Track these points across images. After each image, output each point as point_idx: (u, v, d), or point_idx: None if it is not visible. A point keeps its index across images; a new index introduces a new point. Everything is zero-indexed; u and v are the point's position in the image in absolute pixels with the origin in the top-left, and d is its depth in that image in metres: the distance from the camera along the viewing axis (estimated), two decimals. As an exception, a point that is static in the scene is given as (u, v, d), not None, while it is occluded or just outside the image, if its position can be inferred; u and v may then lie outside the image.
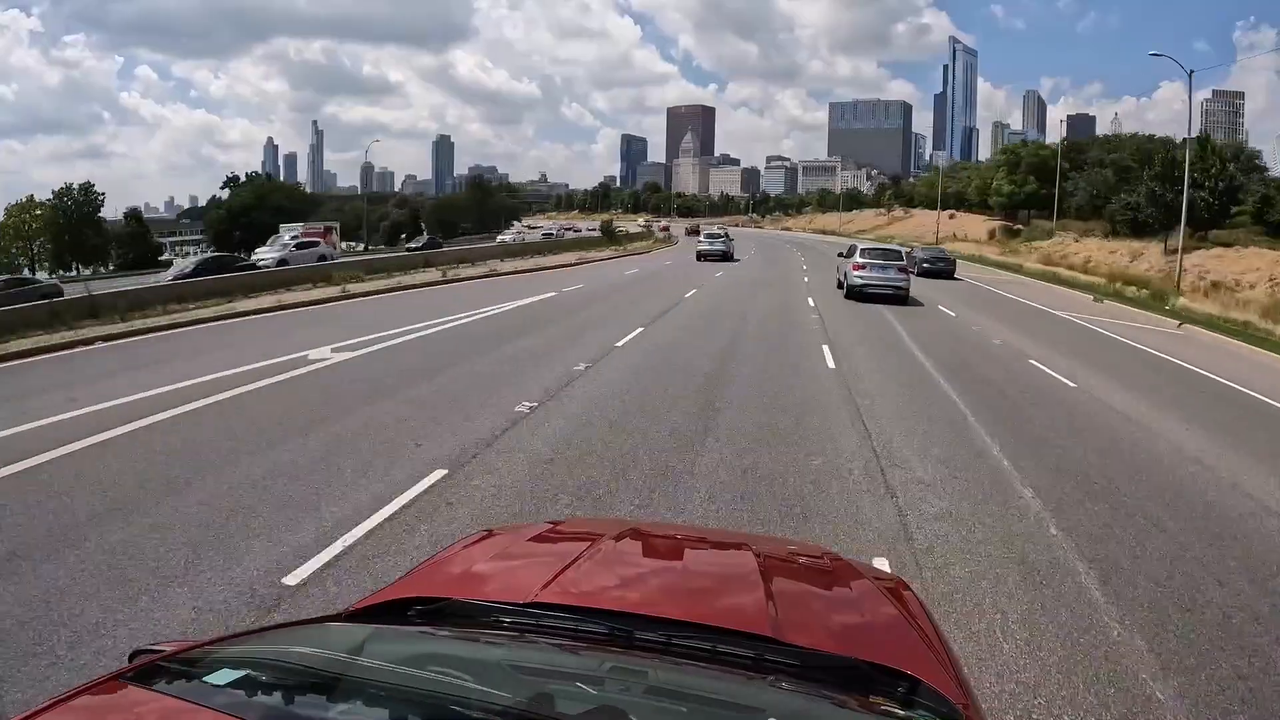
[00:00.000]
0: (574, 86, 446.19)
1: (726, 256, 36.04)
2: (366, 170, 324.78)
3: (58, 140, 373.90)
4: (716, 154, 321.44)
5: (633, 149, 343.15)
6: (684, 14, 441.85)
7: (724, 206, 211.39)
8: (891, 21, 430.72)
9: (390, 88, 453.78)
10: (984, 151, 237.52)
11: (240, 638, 1.38)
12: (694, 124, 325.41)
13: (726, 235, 40.46)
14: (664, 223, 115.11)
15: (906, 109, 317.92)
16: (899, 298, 20.10)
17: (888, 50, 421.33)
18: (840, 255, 24.59)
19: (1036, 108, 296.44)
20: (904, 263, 21.44)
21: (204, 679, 1.13)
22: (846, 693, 1.25)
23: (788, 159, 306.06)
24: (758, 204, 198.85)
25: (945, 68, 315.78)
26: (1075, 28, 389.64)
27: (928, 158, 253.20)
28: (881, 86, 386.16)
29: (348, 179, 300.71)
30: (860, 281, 20.24)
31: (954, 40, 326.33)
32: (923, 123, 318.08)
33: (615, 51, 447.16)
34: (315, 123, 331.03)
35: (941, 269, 30.45)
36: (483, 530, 2.14)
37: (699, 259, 34.89)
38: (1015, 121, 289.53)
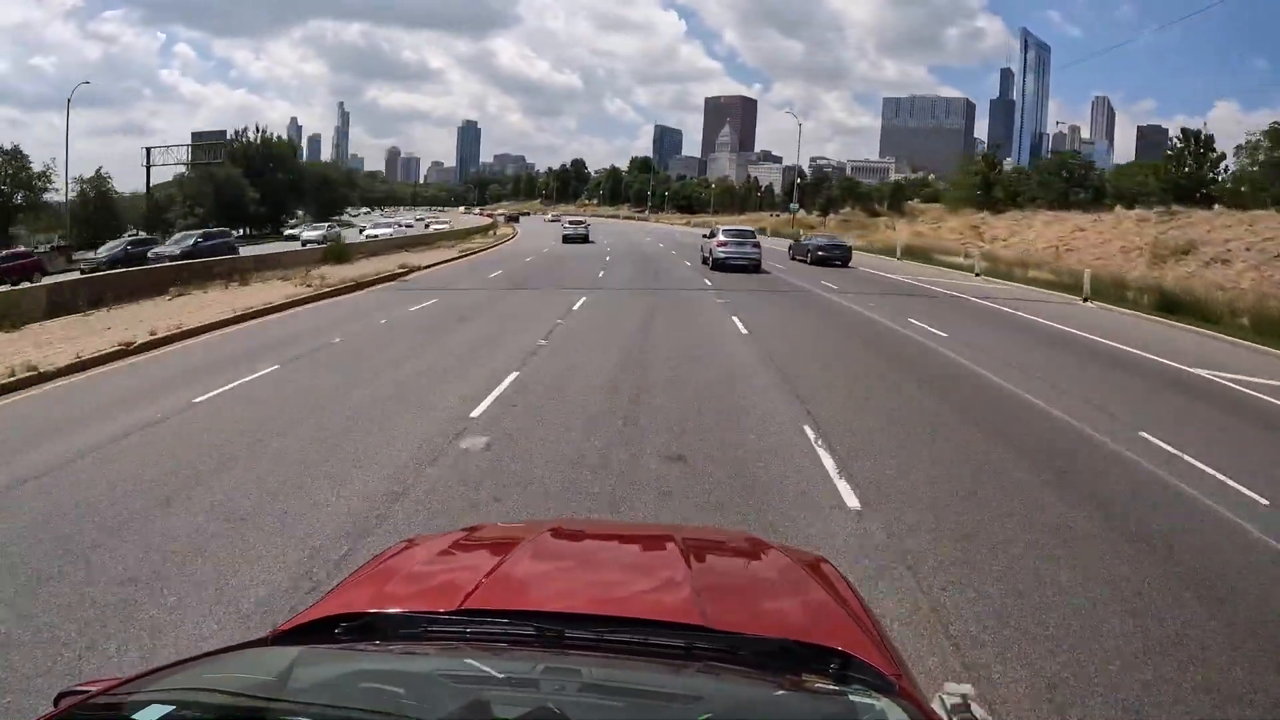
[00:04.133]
0: (616, 80, 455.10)
1: (586, 239, 47.16)
2: (392, 155, 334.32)
3: (97, 114, 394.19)
4: (757, 150, 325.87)
5: (667, 141, 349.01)
6: (728, 8, 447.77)
7: (745, 199, 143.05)
8: (943, 25, 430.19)
9: (430, 74, 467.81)
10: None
11: (167, 670, 1.41)
12: (733, 116, 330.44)
13: (586, 223, 53.58)
14: (481, 210, 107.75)
15: (969, 107, 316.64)
16: (754, 266, 26.43)
17: (939, 54, 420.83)
18: (704, 237, 31.69)
19: (1106, 116, 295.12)
20: (756, 240, 28.48)
21: (132, 718, 1.17)
22: (780, 673, 1.37)
23: (832, 160, 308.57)
24: (811, 189, 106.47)
25: (1003, 71, 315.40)
26: (1133, 41, 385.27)
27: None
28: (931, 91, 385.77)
29: (374, 163, 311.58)
30: (723, 255, 26.68)
31: (1025, 33, 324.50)
32: (978, 130, 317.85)
33: (659, 46, 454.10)
34: (341, 104, 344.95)
35: (836, 255, 31.52)
36: (404, 541, 2.31)
37: (564, 241, 45.69)
38: (1081, 130, 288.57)
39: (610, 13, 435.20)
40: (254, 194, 64.73)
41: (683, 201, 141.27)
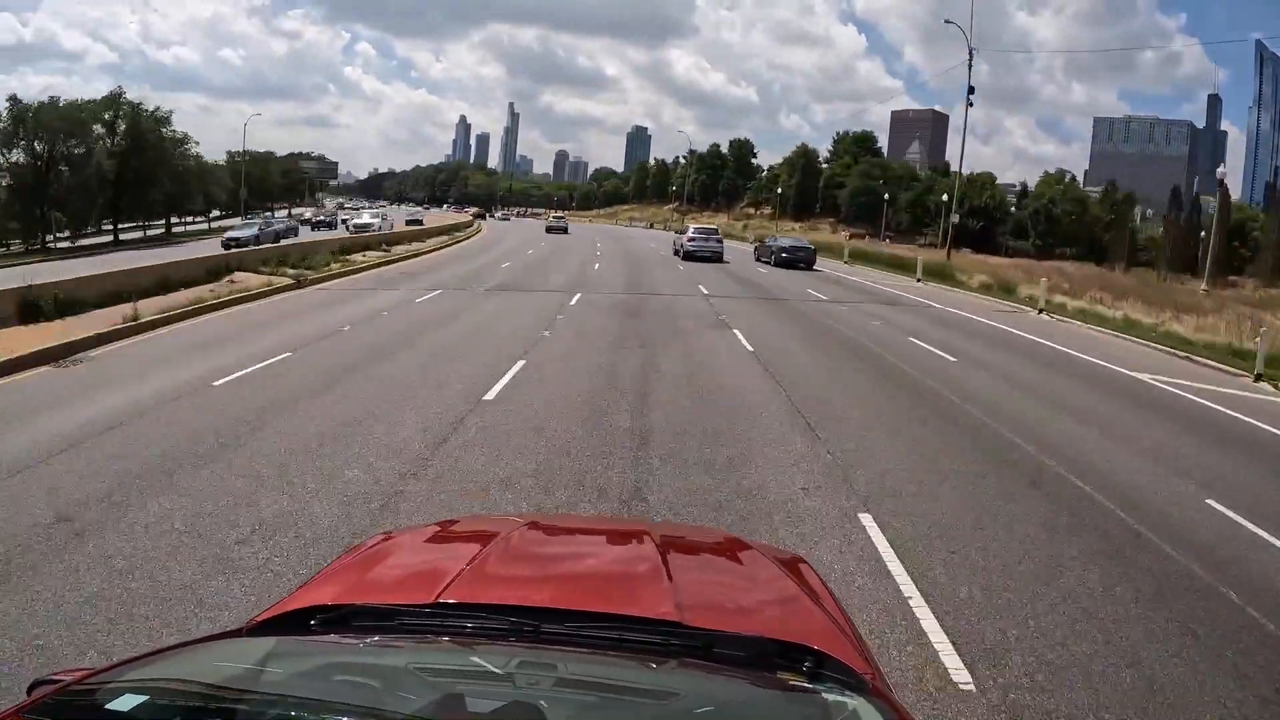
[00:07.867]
0: (792, 96, 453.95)
1: (565, 231, 60.22)
2: (560, 158, 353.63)
3: (284, 106, 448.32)
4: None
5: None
6: (910, 24, 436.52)
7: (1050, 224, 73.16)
8: (1137, 48, 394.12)
9: (605, 82, 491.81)
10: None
11: (142, 660, 1.47)
12: (921, 132, 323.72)
13: (565, 219, 70.93)
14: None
15: (1193, 132, 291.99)
16: (717, 257, 33.40)
17: (1132, 78, 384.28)
18: (676, 233, 41.77)
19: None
20: (719, 235, 36.29)
21: (106, 707, 1.22)
22: (754, 670, 1.46)
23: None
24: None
25: (1210, 98, 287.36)
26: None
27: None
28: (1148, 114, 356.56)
29: (543, 166, 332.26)
30: (692, 247, 34.00)
31: (1260, 46, 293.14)
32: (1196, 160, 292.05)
33: (836, 61, 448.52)
34: (511, 105, 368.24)
35: (800, 257, 33.02)
36: (380, 533, 2.45)
37: (547, 231, 58.98)
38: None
39: (788, 27, 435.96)
40: None
41: (975, 223, 70.39)
